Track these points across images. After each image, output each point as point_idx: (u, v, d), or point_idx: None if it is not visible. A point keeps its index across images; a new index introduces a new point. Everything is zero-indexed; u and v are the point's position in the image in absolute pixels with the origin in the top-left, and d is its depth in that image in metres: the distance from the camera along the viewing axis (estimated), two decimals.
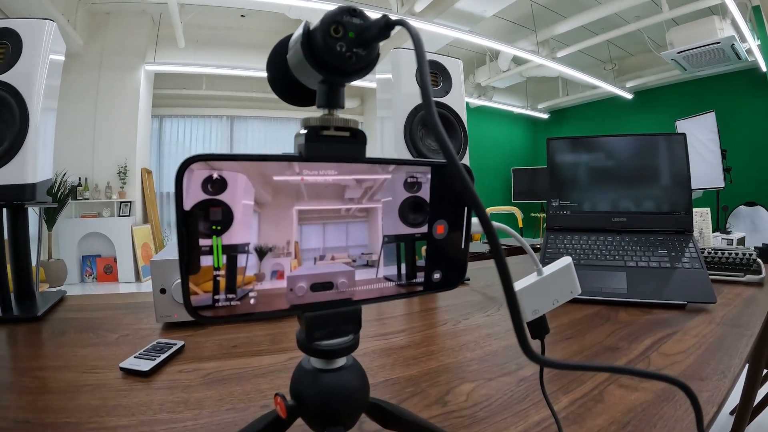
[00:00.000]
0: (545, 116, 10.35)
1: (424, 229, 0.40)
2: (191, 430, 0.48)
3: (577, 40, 6.99)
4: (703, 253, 1.41)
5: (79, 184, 6.57)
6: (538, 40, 6.91)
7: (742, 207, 6.40)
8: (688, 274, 1.08)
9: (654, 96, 8.42)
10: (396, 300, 0.41)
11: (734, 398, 1.89)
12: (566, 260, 0.49)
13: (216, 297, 0.32)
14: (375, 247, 0.39)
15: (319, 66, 0.33)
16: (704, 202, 2.58)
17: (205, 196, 0.31)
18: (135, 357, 0.66)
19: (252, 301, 0.33)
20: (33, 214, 1.16)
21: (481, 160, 9.61)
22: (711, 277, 1.31)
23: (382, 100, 1.34)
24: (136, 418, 0.50)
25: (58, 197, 6.03)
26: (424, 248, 0.41)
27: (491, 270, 1.46)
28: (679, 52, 6.13)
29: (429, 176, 0.40)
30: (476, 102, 9.09)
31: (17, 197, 0.97)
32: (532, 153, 10.31)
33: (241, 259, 0.33)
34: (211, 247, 0.31)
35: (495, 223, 0.48)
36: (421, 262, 0.41)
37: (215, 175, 0.31)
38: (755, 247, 1.72)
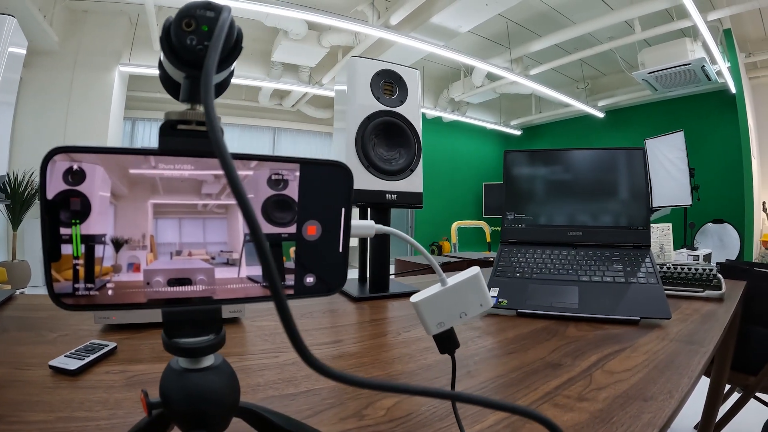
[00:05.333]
0: (518, 133, 10.51)
1: (292, 229, 0.39)
2: (103, 429, 0.48)
3: (550, 59, 7.12)
4: (663, 268, 1.40)
5: None
6: (512, 57, 7.01)
7: (709, 224, 6.55)
8: (643, 289, 1.06)
9: (625, 115, 8.61)
10: (261, 302, 0.39)
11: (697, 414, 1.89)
12: (473, 270, 0.46)
13: (76, 285, 0.33)
14: (235, 245, 0.38)
15: (176, 60, 0.33)
16: (672, 219, 2.60)
17: (66, 187, 0.32)
18: (65, 356, 0.66)
19: (110, 292, 0.34)
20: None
21: (454, 175, 9.73)
22: (670, 292, 1.30)
23: (338, 111, 1.31)
24: (55, 414, 0.51)
25: (24, 197, 5.86)
26: (292, 249, 0.39)
27: None
28: (650, 73, 6.26)
29: (297, 174, 0.39)
30: (450, 117, 9.20)
31: None
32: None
33: (99, 250, 0.33)
34: (71, 236, 0.32)
35: (379, 226, 0.46)
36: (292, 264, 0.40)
37: (75, 167, 0.32)
38: (717, 263, 1.73)
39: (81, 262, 0.33)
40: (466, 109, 9.49)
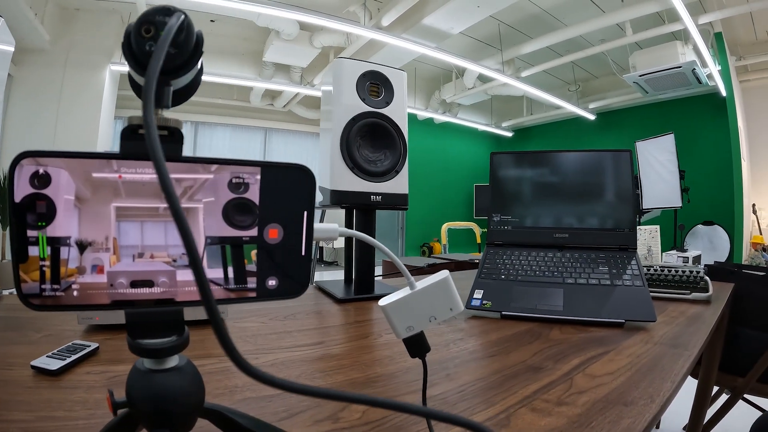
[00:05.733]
0: (509, 134, 10.54)
1: (254, 232, 0.39)
2: (81, 429, 0.48)
3: (542, 61, 7.15)
4: (649, 270, 1.40)
5: None
6: (504, 59, 7.03)
7: (699, 226, 6.59)
8: (628, 291, 1.05)
9: (616, 117, 8.65)
10: (230, 305, 0.39)
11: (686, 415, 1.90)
12: (443, 274, 0.46)
13: (42, 286, 0.34)
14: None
15: (137, 66, 0.33)
16: (662, 221, 2.60)
17: (32, 190, 0.33)
18: (47, 356, 0.66)
19: (75, 293, 0.35)
20: None
21: (445, 176, 9.75)
22: (657, 295, 1.30)
23: (324, 111, 1.31)
24: (35, 414, 0.51)
25: None
26: (253, 252, 0.39)
27: None
28: (641, 75, 6.29)
29: (258, 177, 0.39)
30: (441, 118, 9.21)
31: None
32: None
33: (64, 252, 0.34)
34: (38, 238, 0.33)
35: (342, 229, 0.45)
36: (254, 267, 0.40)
37: (41, 171, 0.33)
38: (705, 265, 1.73)
39: (47, 263, 0.33)
40: (457, 110, 9.51)
